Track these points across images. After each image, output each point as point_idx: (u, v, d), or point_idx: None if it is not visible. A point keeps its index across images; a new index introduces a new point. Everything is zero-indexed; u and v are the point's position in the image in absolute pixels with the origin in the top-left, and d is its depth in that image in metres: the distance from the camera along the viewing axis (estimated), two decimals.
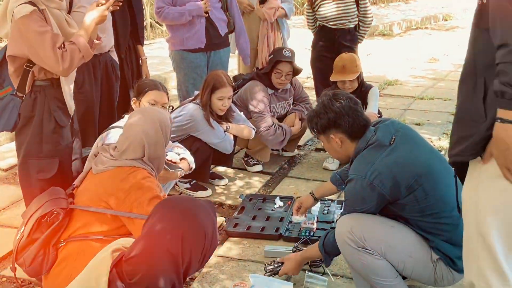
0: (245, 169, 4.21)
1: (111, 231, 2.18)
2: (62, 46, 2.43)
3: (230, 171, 4.18)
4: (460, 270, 2.16)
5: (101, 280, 1.91)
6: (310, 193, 2.89)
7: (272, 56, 4.03)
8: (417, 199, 2.15)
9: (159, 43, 9.57)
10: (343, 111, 2.25)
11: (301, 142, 4.62)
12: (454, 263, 2.17)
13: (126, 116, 2.99)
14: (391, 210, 2.23)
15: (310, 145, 4.83)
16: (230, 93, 3.58)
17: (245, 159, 4.24)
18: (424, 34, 12.06)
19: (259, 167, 4.18)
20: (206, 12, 3.99)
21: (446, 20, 14.49)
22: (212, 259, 2.93)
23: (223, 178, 3.97)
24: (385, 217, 2.27)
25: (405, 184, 2.14)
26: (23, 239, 2.11)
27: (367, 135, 2.27)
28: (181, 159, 3.10)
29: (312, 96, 4.70)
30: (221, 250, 3.03)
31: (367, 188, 2.16)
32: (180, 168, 2.97)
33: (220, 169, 4.16)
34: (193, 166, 3.14)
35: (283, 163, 4.37)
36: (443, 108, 5.85)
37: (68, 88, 2.62)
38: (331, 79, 3.92)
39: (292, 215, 3.18)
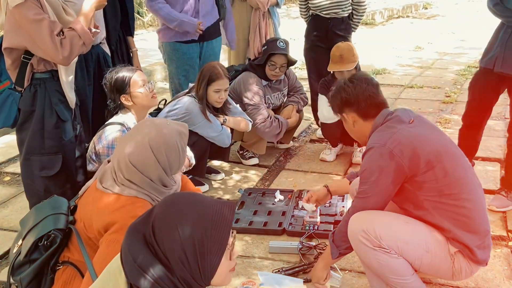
0: (241, 163, 4.12)
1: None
2: (61, 33, 2.28)
3: (225, 164, 4.09)
4: (479, 261, 2.13)
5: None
6: (325, 185, 2.81)
7: (266, 47, 3.93)
8: (436, 177, 2.08)
9: (141, 34, 9.38)
10: (354, 91, 2.27)
11: (295, 134, 4.55)
12: (473, 253, 2.10)
13: (121, 115, 2.88)
14: (407, 190, 2.13)
15: (304, 136, 4.76)
16: (227, 85, 3.48)
17: (241, 152, 4.15)
18: (406, 22, 12.09)
19: (255, 160, 4.10)
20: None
21: (426, 8, 14.60)
22: None
23: (219, 173, 3.88)
24: (398, 214, 2.21)
25: (425, 158, 2.07)
26: (20, 256, 1.97)
27: (384, 112, 2.25)
28: None
29: (305, 86, 4.61)
30: None
31: (386, 156, 2.08)
32: None
33: (215, 163, 4.06)
34: (193, 162, 3.03)
35: (278, 155, 4.30)
36: (433, 96, 5.84)
37: (67, 79, 2.46)
38: (329, 69, 3.84)
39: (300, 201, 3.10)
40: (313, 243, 2.88)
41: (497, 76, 3.08)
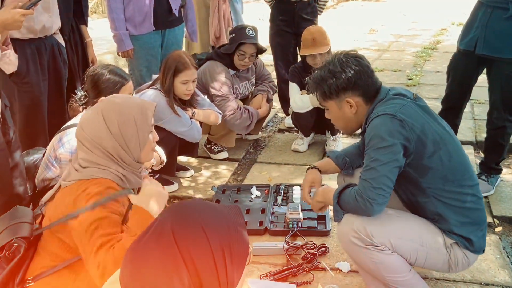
0: (209, 157, 3.89)
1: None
2: None
3: (192, 160, 3.85)
4: (477, 250, 2.05)
5: None
6: (312, 166, 2.46)
7: (234, 35, 3.68)
8: (441, 161, 1.95)
9: None
10: (362, 70, 2.01)
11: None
12: (471, 243, 2.02)
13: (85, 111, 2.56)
14: (410, 177, 1.98)
15: (272, 126, 4.58)
16: (195, 76, 3.22)
17: (208, 146, 3.92)
18: (357, 5, 12.10)
19: (224, 154, 3.88)
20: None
21: None
22: None
23: (188, 169, 3.63)
24: (388, 208, 2.05)
25: (432, 138, 1.94)
26: None
27: (384, 88, 2.06)
28: None
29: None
30: None
31: (396, 123, 1.89)
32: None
33: (182, 159, 3.81)
34: (165, 159, 2.79)
35: (248, 147, 4.09)
36: (396, 79, 5.80)
37: None
38: (301, 53, 3.65)
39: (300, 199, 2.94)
40: (299, 242, 2.72)
41: (478, 58, 3.00)
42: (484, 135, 3.22)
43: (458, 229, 2.00)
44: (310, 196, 2.36)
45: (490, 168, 3.21)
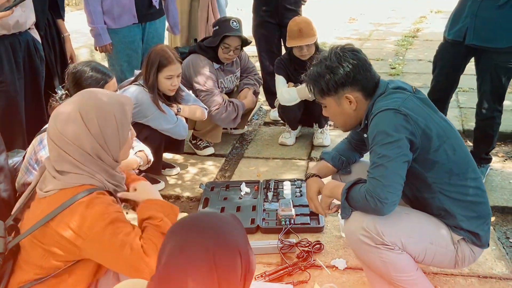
0: (195, 154, 3.79)
1: (68, 255, 1.68)
2: None
3: (178, 157, 3.73)
4: (484, 244, 2.01)
5: None
6: (313, 175, 2.34)
7: (217, 27, 3.56)
8: (447, 154, 1.89)
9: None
10: (360, 65, 1.93)
11: None
12: (478, 237, 1.98)
13: None
14: (416, 172, 1.92)
15: (257, 119, 4.49)
16: (180, 70, 3.10)
17: (193, 142, 3.81)
18: None
19: (210, 150, 3.78)
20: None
21: None
22: None
23: (174, 167, 3.53)
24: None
25: (436, 131, 1.88)
26: None
27: (383, 82, 1.99)
28: (137, 151, 2.64)
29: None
30: None
31: (400, 117, 1.83)
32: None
33: (167, 156, 3.69)
34: (152, 158, 2.68)
35: (234, 142, 4.00)
36: (379, 69, 5.74)
37: None
38: (288, 45, 3.56)
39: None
40: (293, 239, 2.65)
41: (466, 48, 2.95)
42: (471, 123, 3.20)
43: (465, 224, 1.96)
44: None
45: (480, 158, 3.19)
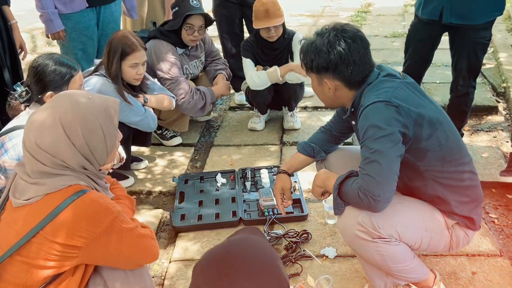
0: (162, 144, 3.60)
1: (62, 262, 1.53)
2: None
3: (144, 149, 3.53)
4: (477, 228, 2.00)
5: None
6: (282, 171, 2.37)
7: (177, 9, 3.34)
8: (439, 142, 1.85)
9: None
10: (348, 57, 1.83)
11: None
12: (473, 221, 1.97)
13: (30, 112, 2.19)
14: (407, 162, 1.86)
15: (221, 104, 4.33)
16: (145, 58, 2.90)
17: (159, 132, 3.62)
18: None
19: (178, 140, 3.60)
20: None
21: None
22: (171, 267, 2.40)
23: (141, 160, 3.34)
24: None
25: (428, 118, 1.82)
26: None
27: (375, 72, 1.90)
28: None
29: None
30: (176, 253, 2.50)
31: (391, 109, 1.76)
32: None
33: (132, 148, 3.48)
34: (124, 156, 2.49)
35: (201, 130, 3.84)
36: None
37: None
38: (255, 26, 3.41)
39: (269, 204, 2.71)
40: (280, 231, 2.57)
41: (441, 26, 2.92)
42: (442, 98, 3.19)
43: (458, 209, 1.93)
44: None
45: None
